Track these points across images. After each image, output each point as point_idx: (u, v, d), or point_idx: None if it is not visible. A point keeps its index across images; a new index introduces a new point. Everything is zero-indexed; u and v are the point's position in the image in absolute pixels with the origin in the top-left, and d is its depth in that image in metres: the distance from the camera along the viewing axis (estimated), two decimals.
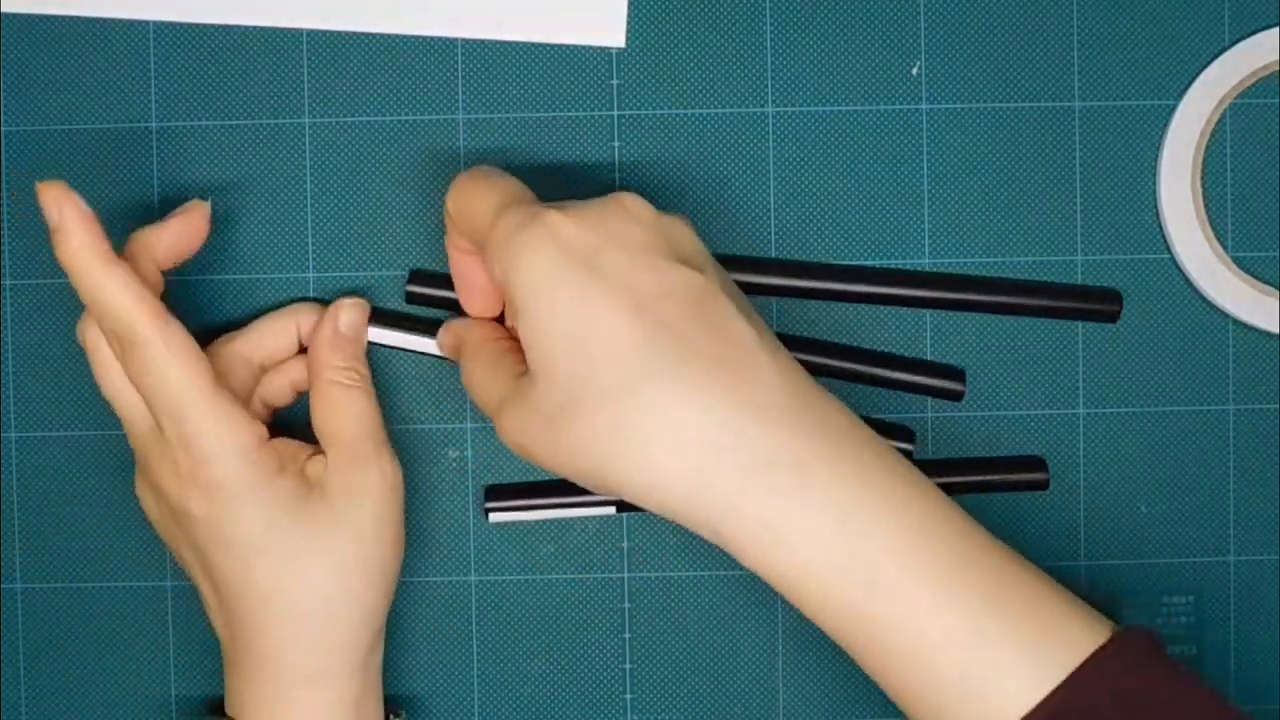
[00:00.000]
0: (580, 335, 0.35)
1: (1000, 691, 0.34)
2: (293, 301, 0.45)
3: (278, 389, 0.44)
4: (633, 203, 0.37)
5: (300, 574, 0.40)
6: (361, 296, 0.45)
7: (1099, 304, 0.45)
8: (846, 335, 0.46)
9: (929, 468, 0.44)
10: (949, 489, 0.42)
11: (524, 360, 0.38)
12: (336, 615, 0.41)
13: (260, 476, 0.40)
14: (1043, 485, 0.45)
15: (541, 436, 0.36)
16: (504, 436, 0.38)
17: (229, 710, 0.42)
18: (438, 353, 0.44)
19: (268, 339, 0.43)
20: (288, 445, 0.42)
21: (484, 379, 0.39)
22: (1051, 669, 0.34)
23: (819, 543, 0.34)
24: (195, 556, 0.41)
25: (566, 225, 0.36)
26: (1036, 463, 0.45)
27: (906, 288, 0.44)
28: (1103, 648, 0.34)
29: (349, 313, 0.43)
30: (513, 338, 0.41)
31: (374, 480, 0.41)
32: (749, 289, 0.43)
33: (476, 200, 0.38)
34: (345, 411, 0.42)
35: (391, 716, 0.44)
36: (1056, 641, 0.34)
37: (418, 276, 0.45)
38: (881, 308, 0.45)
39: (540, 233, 0.36)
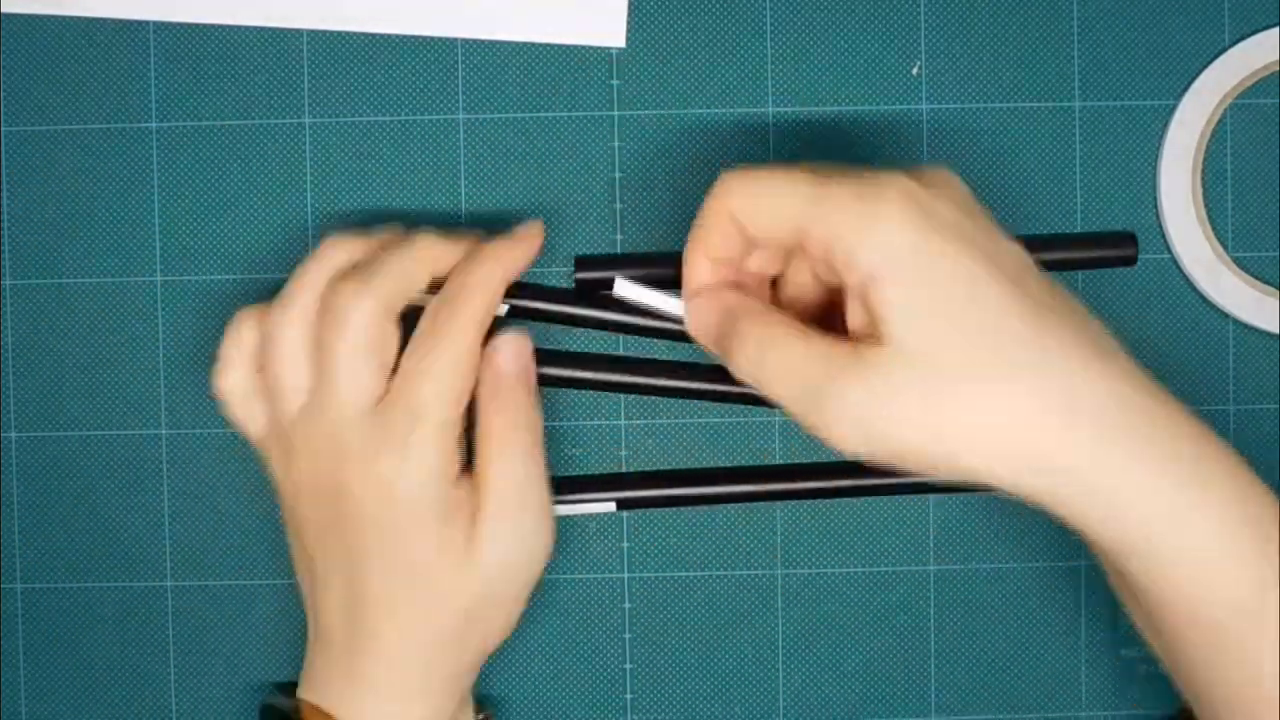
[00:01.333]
0: (967, 306, 0.33)
1: None
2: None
3: None
4: (941, 170, 0.36)
5: (443, 588, 0.39)
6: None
7: (1114, 249, 0.44)
8: None
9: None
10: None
11: (830, 336, 0.35)
12: (461, 641, 0.39)
13: (448, 481, 0.38)
14: (1131, 261, 0.42)
15: (902, 410, 0.33)
16: (833, 415, 0.34)
17: (305, 695, 0.40)
18: (679, 326, 0.39)
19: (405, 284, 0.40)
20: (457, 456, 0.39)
21: (792, 357, 0.35)
22: None
23: (1208, 529, 0.33)
24: (338, 540, 0.39)
25: (925, 192, 0.34)
26: (1125, 237, 0.43)
27: None
28: None
29: (511, 348, 0.40)
30: (783, 311, 0.37)
31: (530, 531, 0.40)
32: None
33: (777, 183, 0.35)
34: (510, 457, 0.39)
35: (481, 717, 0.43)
36: None
37: (585, 262, 0.41)
38: None
39: (903, 197, 0.33)
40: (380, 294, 0.38)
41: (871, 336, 0.34)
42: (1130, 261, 0.44)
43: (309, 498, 0.40)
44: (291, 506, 0.41)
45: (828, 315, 0.38)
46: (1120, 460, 0.33)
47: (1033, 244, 0.44)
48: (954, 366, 0.33)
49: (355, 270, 0.39)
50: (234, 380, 0.41)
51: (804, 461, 0.44)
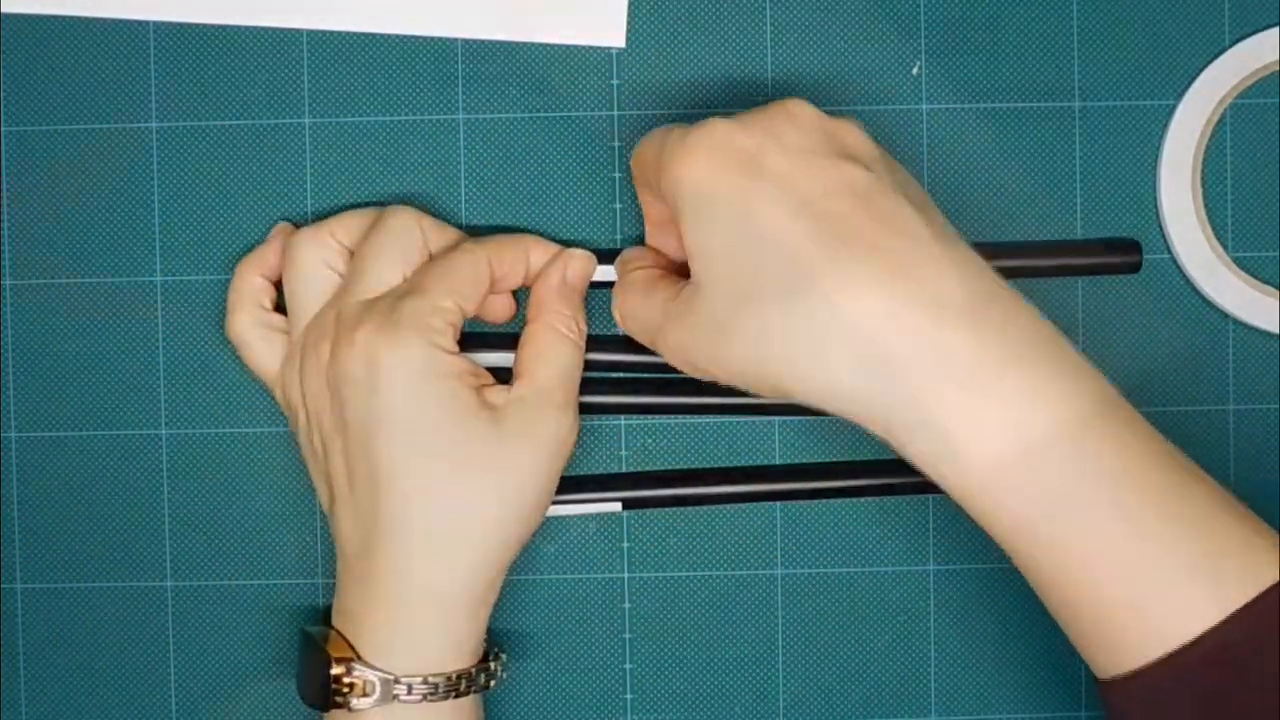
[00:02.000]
0: (745, 236, 0.35)
1: (1166, 614, 0.33)
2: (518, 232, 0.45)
3: (501, 307, 0.44)
4: (796, 106, 0.37)
5: (452, 488, 0.39)
6: None
7: (1118, 256, 0.44)
8: None
9: (1010, 250, 0.44)
10: (1034, 272, 0.43)
11: (678, 282, 0.39)
12: (474, 540, 0.39)
13: (452, 368, 0.39)
14: (1135, 268, 0.44)
15: (710, 345, 0.36)
16: (668, 354, 0.38)
17: (336, 622, 0.41)
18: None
19: (506, 257, 0.43)
20: (477, 365, 0.41)
21: (638, 304, 0.40)
22: (1223, 598, 0.32)
23: (991, 455, 0.34)
24: (342, 445, 0.40)
25: (726, 129, 0.36)
26: (1129, 245, 0.44)
27: None
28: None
29: (578, 264, 0.43)
30: (668, 264, 0.41)
31: (552, 427, 0.40)
32: None
33: (653, 143, 0.39)
34: (553, 356, 0.41)
35: (492, 657, 0.43)
36: (1231, 568, 0.33)
37: None
38: None
39: (700, 138, 0.36)
40: (427, 223, 0.42)
41: (689, 279, 0.37)
42: (1134, 268, 0.44)
43: (318, 402, 0.40)
44: (306, 427, 0.41)
45: None
46: (923, 375, 0.34)
47: (1037, 251, 0.44)
48: (733, 292, 0.35)
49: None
50: (246, 319, 0.43)
51: (805, 462, 0.45)
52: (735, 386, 0.37)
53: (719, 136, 0.36)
